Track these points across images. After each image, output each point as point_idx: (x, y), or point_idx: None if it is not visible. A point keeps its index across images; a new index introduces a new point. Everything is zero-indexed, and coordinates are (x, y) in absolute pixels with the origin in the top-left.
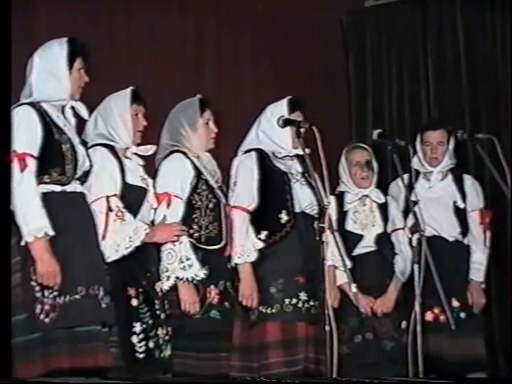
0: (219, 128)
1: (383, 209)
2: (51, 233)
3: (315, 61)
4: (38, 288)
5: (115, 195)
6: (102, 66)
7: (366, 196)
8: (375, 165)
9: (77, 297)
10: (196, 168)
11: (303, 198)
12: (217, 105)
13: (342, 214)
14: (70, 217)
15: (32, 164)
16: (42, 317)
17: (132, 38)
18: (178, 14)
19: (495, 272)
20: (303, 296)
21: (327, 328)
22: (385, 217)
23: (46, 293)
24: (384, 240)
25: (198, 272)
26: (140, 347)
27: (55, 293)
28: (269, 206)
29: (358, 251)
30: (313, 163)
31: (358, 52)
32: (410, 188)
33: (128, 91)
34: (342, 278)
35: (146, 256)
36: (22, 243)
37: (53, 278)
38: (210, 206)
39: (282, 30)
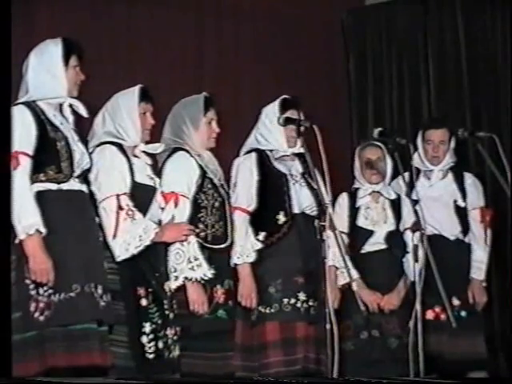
0: (219, 127)
1: (395, 206)
2: (43, 230)
3: (316, 60)
4: (32, 286)
5: (125, 194)
6: (102, 65)
7: (378, 192)
8: (388, 162)
9: (71, 294)
10: (200, 167)
11: (303, 199)
12: (217, 104)
13: (354, 211)
14: (67, 215)
15: (25, 162)
16: (36, 315)
17: (132, 36)
18: (179, 13)
19: (496, 270)
20: (302, 296)
21: (328, 326)
22: (397, 215)
23: (41, 290)
24: (395, 238)
25: (207, 272)
26: (150, 347)
27: (50, 290)
28: (267, 207)
29: (368, 248)
30: (313, 162)
31: (358, 51)
32: (410, 186)
33: (136, 89)
34: (345, 278)
35: (156, 256)
36: (16, 241)
37: (46, 274)
38: (216, 204)
39: (283, 29)
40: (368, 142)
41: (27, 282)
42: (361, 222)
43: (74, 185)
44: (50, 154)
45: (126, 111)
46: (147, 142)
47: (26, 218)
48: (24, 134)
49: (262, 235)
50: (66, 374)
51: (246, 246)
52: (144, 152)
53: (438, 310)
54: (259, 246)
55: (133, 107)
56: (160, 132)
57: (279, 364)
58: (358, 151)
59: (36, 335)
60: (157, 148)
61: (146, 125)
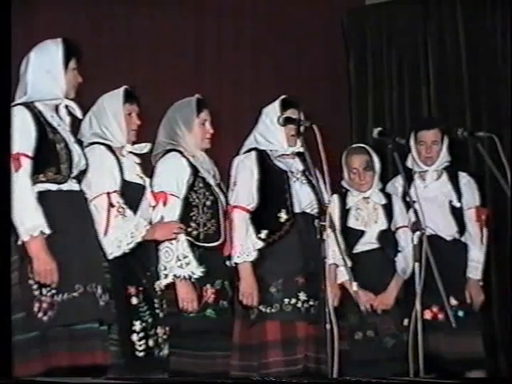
0: (219, 127)
1: (387, 207)
2: (47, 231)
3: (316, 59)
4: (35, 286)
5: (116, 191)
6: (102, 66)
7: (368, 198)
8: (376, 165)
9: (75, 294)
10: (192, 166)
11: (303, 197)
12: (217, 104)
13: (345, 212)
14: (67, 215)
15: (26, 164)
16: (40, 315)
17: (132, 37)
18: (178, 14)
19: (496, 270)
20: (302, 296)
21: (328, 326)
22: (389, 214)
23: (44, 291)
24: (387, 237)
25: (196, 270)
26: (140, 345)
27: (53, 291)
28: (268, 205)
29: (359, 248)
30: (313, 161)
31: (358, 50)
32: (406, 187)
33: (121, 91)
34: (344, 275)
35: (147, 255)
36: (19, 242)
37: (50, 275)
38: (208, 203)
39: (283, 28)
40: (352, 146)
41: (30, 282)
42: (351, 222)
43: (72, 185)
44: (49, 155)
45: (111, 113)
46: (134, 143)
47: (30, 220)
48: (24, 136)
49: (263, 233)
50: (69, 374)
51: (246, 244)
52: (131, 152)
53: (435, 309)
54: (260, 244)
55: (118, 108)
56: (154, 132)
57: (279, 364)
58: (344, 158)
59: (39, 335)
60: (143, 148)
61: (131, 125)
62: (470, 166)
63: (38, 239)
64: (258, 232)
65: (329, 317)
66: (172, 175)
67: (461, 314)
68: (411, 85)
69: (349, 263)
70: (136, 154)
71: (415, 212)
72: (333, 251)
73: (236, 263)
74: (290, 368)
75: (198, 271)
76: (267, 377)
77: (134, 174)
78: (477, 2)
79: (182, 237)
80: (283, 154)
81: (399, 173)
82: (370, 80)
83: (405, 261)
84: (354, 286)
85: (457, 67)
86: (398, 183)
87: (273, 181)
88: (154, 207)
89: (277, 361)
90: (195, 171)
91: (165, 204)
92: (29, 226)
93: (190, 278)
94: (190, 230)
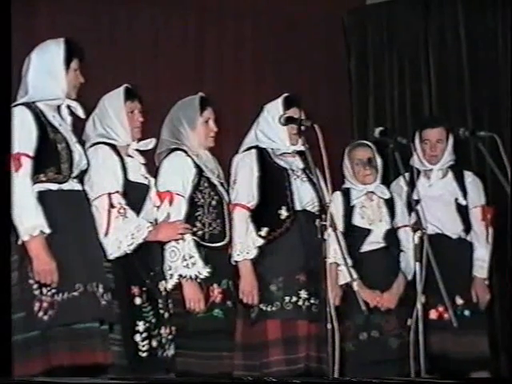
0: (220, 126)
1: (390, 205)
2: (47, 231)
3: (317, 59)
4: (35, 286)
5: (117, 192)
6: (103, 65)
7: (372, 192)
8: (379, 161)
9: (75, 294)
10: (197, 166)
11: (304, 195)
12: (218, 103)
13: (349, 209)
14: (67, 214)
15: (27, 163)
16: (40, 314)
17: (133, 36)
18: (179, 13)
19: (498, 269)
20: (303, 294)
21: (329, 326)
22: (392, 213)
23: (44, 290)
24: (392, 236)
25: (202, 270)
26: (143, 346)
27: (53, 290)
28: (268, 202)
29: (366, 247)
30: (314, 161)
31: (359, 50)
32: (411, 186)
33: (121, 89)
34: (347, 276)
35: (150, 255)
36: (19, 242)
37: (50, 275)
38: (213, 203)
39: (284, 28)
40: (357, 141)
41: (30, 282)
42: (357, 221)
43: (73, 185)
44: (50, 155)
45: (112, 112)
46: (139, 140)
47: (29, 220)
48: (25, 135)
49: (264, 231)
50: (70, 373)
51: (246, 242)
52: (137, 150)
53: (441, 309)
54: (260, 242)
55: (119, 107)
56: (157, 131)
57: (281, 363)
58: (348, 152)
59: (40, 335)
60: (148, 144)
61: (134, 123)
62: (471, 165)
63: (38, 239)
64: (258, 229)
65: (330, 316)
66: (177, 174)
67: (467, 313)
68: (412, 84)
69: (349, 262)
70: (141, 153)
71: (416, 211)
72: (334, 250)
73: (236, 261)
74: (292, 367)
75: (205, 271)
76: (268, 376)
77: (138, 174)
78: (478, 2)
79: (189, 237)
80: (284, 153)
81: (400, 173)
82: (370, 79)
83: (409, 260)
84: (355, 286)
85: (458, 66)
86: (402, 182)
87: (273, 178)
88: (158, 207)
89: (278, 360)
90: (200, 171)
91: (171, 203)
92: (28, 226)
93: (197, 277)
94: (195, 229)
